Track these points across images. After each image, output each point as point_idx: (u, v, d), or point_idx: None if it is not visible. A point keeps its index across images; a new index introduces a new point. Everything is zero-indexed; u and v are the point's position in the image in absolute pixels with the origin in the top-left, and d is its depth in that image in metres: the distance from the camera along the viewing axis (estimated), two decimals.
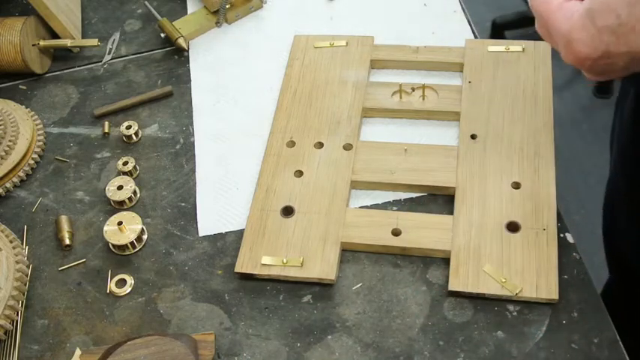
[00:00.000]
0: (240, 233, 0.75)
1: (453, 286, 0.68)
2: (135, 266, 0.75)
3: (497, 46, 0.85)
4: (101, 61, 0.95)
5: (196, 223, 0.77)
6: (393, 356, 0.66)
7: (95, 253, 0.76)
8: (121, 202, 0.79)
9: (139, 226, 0.75)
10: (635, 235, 0.94)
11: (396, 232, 0.72)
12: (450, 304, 0.68)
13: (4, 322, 0.68)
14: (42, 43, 0.92)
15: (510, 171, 0.75)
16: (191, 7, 0.99)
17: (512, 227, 0.71)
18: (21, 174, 0.82)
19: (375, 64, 0.88)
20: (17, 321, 0.71)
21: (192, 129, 0.86)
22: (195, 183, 0.81)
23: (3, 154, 0.81)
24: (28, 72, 0.92)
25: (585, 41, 0.54)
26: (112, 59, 0.95)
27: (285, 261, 0.71)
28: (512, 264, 0.68)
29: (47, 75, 0.95)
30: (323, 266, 0.70)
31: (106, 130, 0.86)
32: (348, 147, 0.79)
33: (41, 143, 0.85)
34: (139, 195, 0.80)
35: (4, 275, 0.69)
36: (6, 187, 0.81)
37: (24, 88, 0.93)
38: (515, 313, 0.67)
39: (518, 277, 0.67)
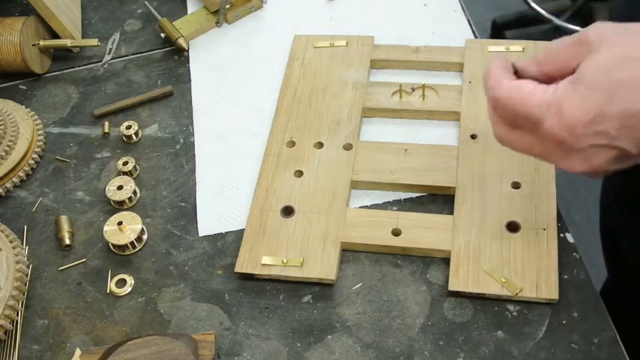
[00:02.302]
0: (240, 233, 0.75)
1: (453, 286, 0.68)
2: (135, 266, 0.75)
3: (497, 46, 0.85)
4: (101, 61, 0.95)
5: (196, 223, 0.77)
6: (393, 356, 0.66)
7: (95, 253, 0.76)
8: (121, 202, 0.79)
9: (139, 226, 0.75)
10: (629, 230, 0.94)
11: (396, 232, 0.72)
12: (450, 304, 0.68)
13: (4, 322, 0.68)
14: (42, 43, 0.92)
15: (510, 171, 0.75)
16: (191, 7, 0.99)
17: (512, 227, 0.71)
18: (21, 174, 0.82)
19: (375, 64, 0.88)
20: (17, 321, 0.71)
21: (192, 129, 0.86)
22: (195, 183, 0.81)
23: (3, 154, 0.81)
24: (28, 72, 0.92)
25: (578, 103, 0.53)
26: (112, 59, 0.95)
27: (285, 261, 0.71)
28: (512, 264, 0.68)
29: (47, 75, 0.95)
30: (323, 266, 0.70)
31: (106, 130, 0.86)
32: (348, 147, 0.79)
33: (41, 143, 0.85)
34: (139, 195, 0.80)
35: (4, 275, 0.69)
36: (6, 187, 0.81)
37: (24, 88, 0.93)
38: (515, 313, 0.67)
39: (518, 277, 0.67)
